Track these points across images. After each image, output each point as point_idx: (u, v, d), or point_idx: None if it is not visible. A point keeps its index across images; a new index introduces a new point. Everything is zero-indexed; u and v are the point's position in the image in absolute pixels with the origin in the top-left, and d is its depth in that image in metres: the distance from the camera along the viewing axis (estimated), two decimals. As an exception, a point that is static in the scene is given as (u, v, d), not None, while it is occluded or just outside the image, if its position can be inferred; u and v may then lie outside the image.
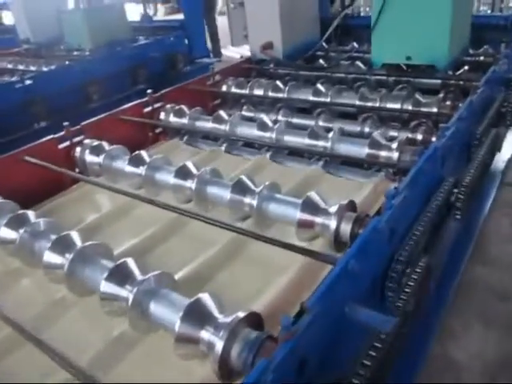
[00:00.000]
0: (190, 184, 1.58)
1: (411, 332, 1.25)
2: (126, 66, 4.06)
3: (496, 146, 2.09)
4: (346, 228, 1.26)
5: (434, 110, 2.09)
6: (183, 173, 1.63)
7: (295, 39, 3.08)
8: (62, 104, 3.25)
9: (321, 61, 3.07)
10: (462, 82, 2.41)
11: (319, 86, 2.46)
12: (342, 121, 2.23)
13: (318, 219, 1.32)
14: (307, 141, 1.88)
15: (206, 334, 0.97)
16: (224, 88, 2.76)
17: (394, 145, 1.69)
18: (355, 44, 3.18)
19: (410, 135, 1.99)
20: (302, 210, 1.33)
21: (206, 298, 1.03)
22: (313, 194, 1.38)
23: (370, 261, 1.10)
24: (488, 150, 1.85)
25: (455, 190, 1.49)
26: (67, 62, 4.03)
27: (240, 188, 1.48)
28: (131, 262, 1.18)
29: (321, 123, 2.20)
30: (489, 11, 8.06)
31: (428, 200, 1.42)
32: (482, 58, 2.74)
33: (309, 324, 0.86)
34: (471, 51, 2.81)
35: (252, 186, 1.49)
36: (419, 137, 1.97)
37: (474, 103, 1.85)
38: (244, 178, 1.51)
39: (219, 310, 1.02)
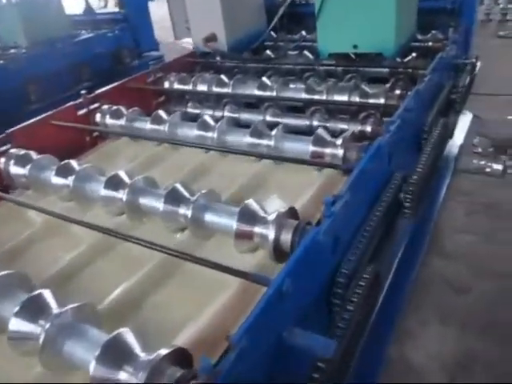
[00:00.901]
0: (122, 195, 1.44)
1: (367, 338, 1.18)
2: (67, 64, 3.89)
3: (447, 135, 2.06)
4: (286, 238, 1.16)
5: (381, 101, 2.02)
6: (114, 183, 1.48)
7: (240, 30, 2.98)
8: (-4, 107, 3.06)
9: (268, 52, 2.99)
10: (410, 70, 2.39)
11: (265, 79, 2.38)
12: (290, 115, 2.16)
13: (256, 229, 1.22)
14: (249, 139, 1.76)
15: (124, 375, 0.86)
16: (166, 84, 2.61)
17: (339, 141, 1.60)
18: (304, 33, 3.10)
19: (359, 127, 1.94)
20: (238, 220, 1.23)
21: (126, 333, 0.90)
22: (251, 202, 1.27)
23: (312, 276, 1.02)
24: (438, 141, 1.80)
25: (404, 188, 1.43)
26: (1, 61, 3.74)
27: (174, 197, 1.36)
28: (47, 293, 1.04)
29: (268, 118, 2.14)
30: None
31: (377, 199, 1.35)
32: (430, 43, 2.71)
33: (236, 361, 0.76)
34: (420, 37, 2.81)
35: (187, 195, 1.37)
36: (368, 129, 1.92)
37: (421, 92, 1.80)
38: (179, 185, 1.39)
39: (141, 347, 0.89)
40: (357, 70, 2.50)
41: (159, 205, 1.36)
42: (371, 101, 2.06)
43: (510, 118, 4.26)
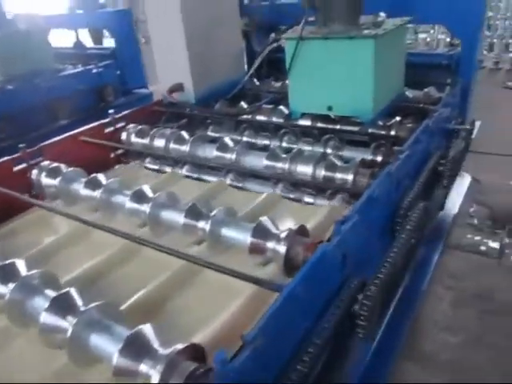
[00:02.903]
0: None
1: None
2: (44, 100, 4.12)
3: (426, 221, 1.99)
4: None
5: (350, 177, 2.04)
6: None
7: (213, 79, 3.12)
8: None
9: (243, 103, 3.10)
10: (393, 134, 2.50)
11: (226, 140, 2.45)
12: (253, 180, 2.29)
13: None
14: (185, 220, 1.75)
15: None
16: (123, 137, 2.77)
17: (284, 234, 1.56)
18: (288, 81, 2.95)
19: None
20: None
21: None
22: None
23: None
24: (414, 229, 1.77)
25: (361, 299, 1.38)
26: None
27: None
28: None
29: (229, 181, 2.33)
30: (448, 39, 9.00)
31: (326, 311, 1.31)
32: (421, 105, 2.79)
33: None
34: (410, 94, 2.94)
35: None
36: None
37: (393, 174, 1.80)
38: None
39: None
40: (334, 130, 2.59)
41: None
42: (339, 175, 2.08)
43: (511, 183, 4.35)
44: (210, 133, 2.88)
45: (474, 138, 2.92)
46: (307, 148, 2.47)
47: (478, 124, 3.45)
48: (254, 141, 2.70)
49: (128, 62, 5.01)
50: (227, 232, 1.65)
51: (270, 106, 2.97)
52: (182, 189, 2.19)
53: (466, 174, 3.89)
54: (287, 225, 1.64)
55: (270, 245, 1.54)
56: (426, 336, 2.72)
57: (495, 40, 8.85)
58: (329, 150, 2.44)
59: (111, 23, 5.01)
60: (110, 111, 2.73)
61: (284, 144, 2.61)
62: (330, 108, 2.48)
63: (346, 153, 2.40)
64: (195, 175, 2.44)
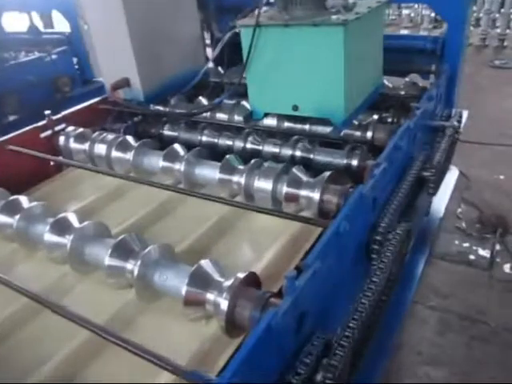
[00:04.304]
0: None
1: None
2: None
3: (407, 245, 2.21)
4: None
5: (316, 196, 2.08)
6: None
7: (166, 72, 3.17)
8: None
9: (201, 98, 3.23)
10: (369, 136, 2.59)
11: (176, 146, 2.56)
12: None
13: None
14: (110, 261, 1.84)
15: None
16: (61, 142, 2.86)
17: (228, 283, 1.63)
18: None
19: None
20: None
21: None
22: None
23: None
24: (393, 257, 1.93)
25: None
26: None
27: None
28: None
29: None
30: (433, 14, 9.71)
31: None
32: (402, 92, 3.06)
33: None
34: (390, 85, 3.13)
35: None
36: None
37: (365, 195, 1.83)
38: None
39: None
40: (304, 130, 2.72)
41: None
42: (304, 193, 2.11)
43: (502, 177, 4.69)
44: (166, 132, 3.11)
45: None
46: (274, 150, 2.64)
47: (465, 113, 3.66)
48: (214, 141, 2.88)
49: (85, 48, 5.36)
50: (156, 277, 1.72)
51: (232, 102, 3.05)
52: (132, 200, 2.49)
53: (453, 167, 4.22)
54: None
55: (210, 296, 1.59)
56: (406, 368, 2.77)
57: (482, 15, 9.77)
58: (298, 153, 2.59)
59: (64, 4, 5.41)
60: (47, 112, 2.87)
61: (248, 145, 2.75)
62: (295, 108, 2.50)
63: (318, 156, 2.53)
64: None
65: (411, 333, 2.96)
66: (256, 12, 2.42)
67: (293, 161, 2.56)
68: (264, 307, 1.48)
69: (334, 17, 2.27)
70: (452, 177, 4.28)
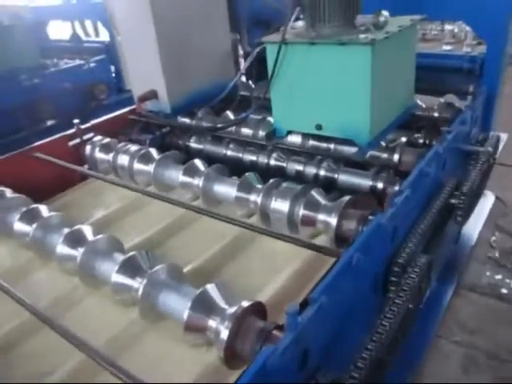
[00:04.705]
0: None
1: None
2: (25, 100, 4.61)
3: (428, 281, 2.06)
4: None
5: (333, 221, 2.00)
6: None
7: (194, 84, 3.16)
8: None
9: (229, 112, 3.22)
10: (396, 158, 2.51)
11: (196, 161, 2.55)
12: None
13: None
14: (116, 278, 1.83)
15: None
16: (87, 151, 2.90)
17: (231, 310, 1.57)
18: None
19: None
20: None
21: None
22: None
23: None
24: (411, 292, 1.82)
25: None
26: None
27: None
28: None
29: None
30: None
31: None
32: (435, 114, 2.92)
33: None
34: (423, 105, 3.00)
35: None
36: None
37: (383, 225, 1.75)
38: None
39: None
40: (329, 149, 2.69)
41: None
42: (321, 217, 2.05)
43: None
44: (192, 144, 3.13)
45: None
46: (298, 168, 2.63)
47: (504, 136, 3.44)
48: (239, 155, 2.90)
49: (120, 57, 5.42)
50: (164, 298, 1.70)
51: (259, 117, 3.03)
52: (149, 214, 2.50)
53: (489, 192, 3.99)
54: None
55: (212, 324, 1.54)
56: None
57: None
58: (322, 172, 2.56)
59: (103, 14, 5.51)
60: (76, 121, 2.93)
61: (272, 162, 2.76)
62: (319, 127, 2.44)
63: (343, 176, 2.49)
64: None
65: (431, 367, 2.77)
66: (282, 28, 2.38)
67: (316, 180, 2.54)
68: (266, 340, 1.42)
69: (362, 36, 2.19)
70: (487, 202, 4.03)
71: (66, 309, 1.87)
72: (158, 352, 1.69)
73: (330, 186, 2.50)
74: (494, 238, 3.85)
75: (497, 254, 3.69)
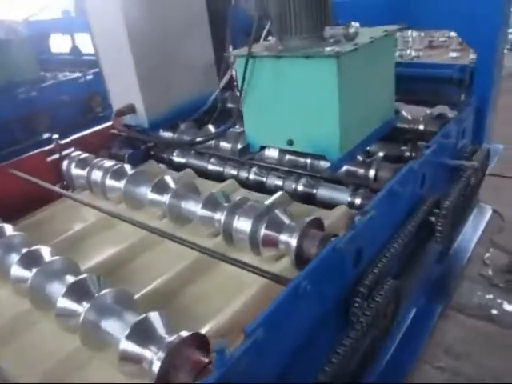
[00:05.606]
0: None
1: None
2: (18, 114, 4.60)
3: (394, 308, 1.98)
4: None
5: (293, 242, 1.93)
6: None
7: (174, 97, 3.10)
8: None
9: (210, 126, 3.19)
10: (372, 174, 2.48)
11: (166, 178, 2.48)
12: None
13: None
14: None
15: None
16: (64, 166, 2.86)
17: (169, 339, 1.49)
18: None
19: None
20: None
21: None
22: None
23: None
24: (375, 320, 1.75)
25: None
26: None
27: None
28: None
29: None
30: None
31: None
32: (421, 126, 2.90)
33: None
34: (409, 116, 2.97)
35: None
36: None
37: (338, 250, 1.62)
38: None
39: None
40: (305, 165, 2.68)
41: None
42: (282, 237, 1.97)
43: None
44: (175, 158, 3.14)
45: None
46: (277, 183, 2.65)
47: (500, 147, 3.29)
48: (220, 169, 2.93)
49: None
50: (105, 324, 1.64)
51: (239, 130, 2.98)
52: (117, 233, 2.45)
53: (486, 205, 3.78)
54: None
55: (148, 354, 1.46)
56: None
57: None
58: (300, 188, 2.57)
59: None
60: (55, 136, 2.89)
61: (251, 176, 2.77)
62: (290, 142, 2.37)
63: (322, 191, 2.49)
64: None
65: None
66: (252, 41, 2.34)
67: (295, 195, 2.53)
68: (199, 374, 1.36)
69: (328, 48, 2.11)
70: (483, 216, 3.77)
71: (19, 332, 1.84)
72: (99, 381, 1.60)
73: (309, 201, 2.51)
74: (488, 254, 3.58)
75: (490, 272, 3.43)
